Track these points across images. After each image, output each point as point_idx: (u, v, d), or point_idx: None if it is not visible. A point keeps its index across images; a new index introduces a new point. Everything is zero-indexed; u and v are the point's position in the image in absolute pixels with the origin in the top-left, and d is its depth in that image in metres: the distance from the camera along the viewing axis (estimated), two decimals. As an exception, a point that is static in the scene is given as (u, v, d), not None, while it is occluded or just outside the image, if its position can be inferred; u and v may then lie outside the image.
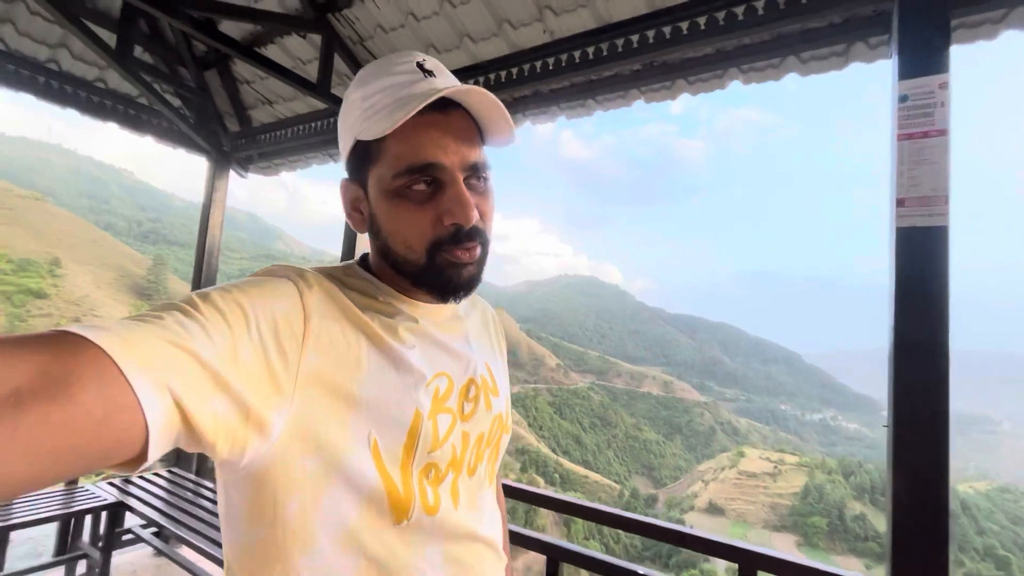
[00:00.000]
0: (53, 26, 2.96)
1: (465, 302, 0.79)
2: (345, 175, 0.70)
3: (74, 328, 0.40)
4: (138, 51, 3.31)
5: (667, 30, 2.07)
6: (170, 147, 3.82)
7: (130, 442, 0.40)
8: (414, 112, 0.57)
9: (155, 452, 0.41)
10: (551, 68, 2.34)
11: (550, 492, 2.27)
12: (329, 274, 0.65)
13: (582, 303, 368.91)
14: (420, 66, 0.64)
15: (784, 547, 74.16)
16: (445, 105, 0.62)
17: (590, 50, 2.23)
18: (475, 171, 0.65)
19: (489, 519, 0.74)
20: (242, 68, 3.42)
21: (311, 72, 2.85)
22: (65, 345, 0.39)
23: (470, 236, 0.63)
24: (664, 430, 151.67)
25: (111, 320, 0.43)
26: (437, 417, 0.64)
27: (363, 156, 0.65)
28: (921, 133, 1.39)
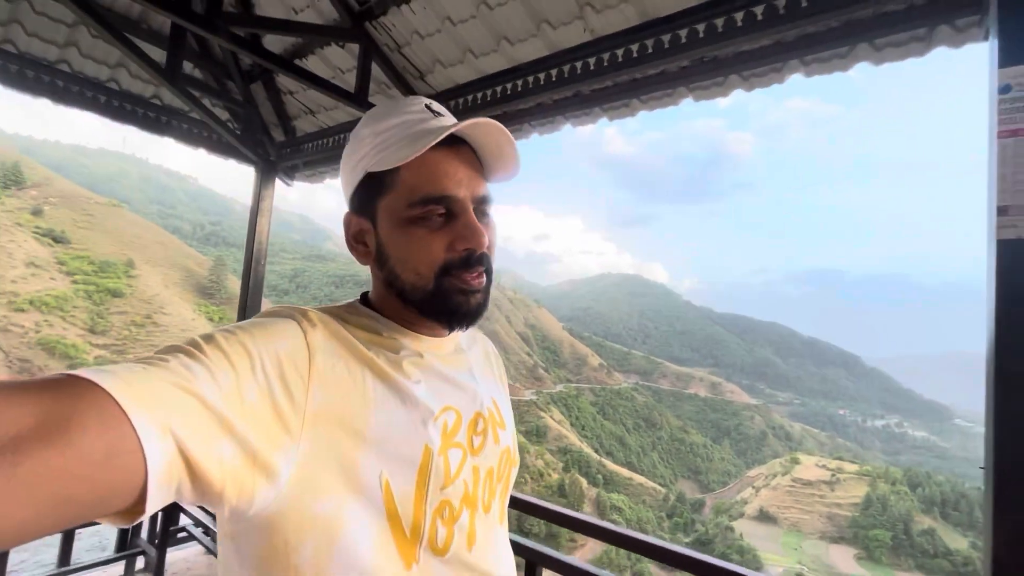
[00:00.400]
0: (112, 48, 3.11)
1: (466, 336, 0.80)
2: (346, 209, 0.71)
3: (79, 371, 0.40)
4: (188, 68, 3.44)
5: (719, 22, 1.91)
6: (221, 158, 3.97)
7: (128, 489, 0.39)
8: (432, 144, 0.60)
9: (153, 501, 0.40)
10: (592, 68, 2.22)
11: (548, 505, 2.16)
12: (332, 312, 0.65)
13: (626, 302, 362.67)
14: (428, 107, 0.68)
15: (843, 560, 70.24)
16: (455, 141, 0.65)
17: (634, 47, 2.10)
18: (482, 204, 0.68)
19: (506, 558, 0.73)
20: (285, 80, 3.49)
21: (350, 81, 2.85)
22: (68, 388, 0.38)
23: (479, 261, 0.66)
24: (712, 433, 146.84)
25: (115, 364, 0.42)
26: (448, 452, 0.64)
27: (373, 188, 0.66)
28: None
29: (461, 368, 0.73)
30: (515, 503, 2.10)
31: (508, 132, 0.67)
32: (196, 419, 0.43)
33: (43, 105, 3.18)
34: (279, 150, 3.93)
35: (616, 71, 2.14)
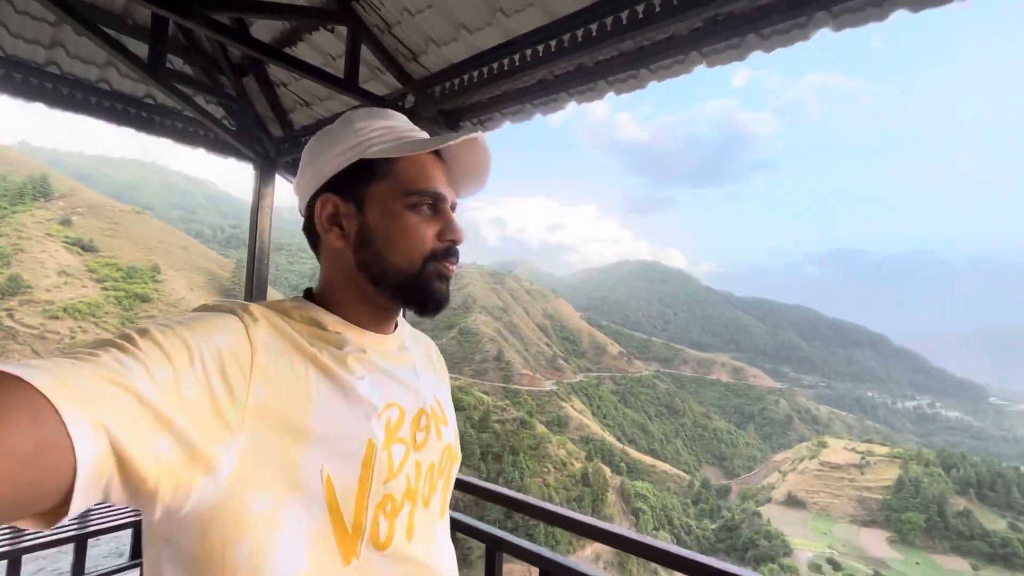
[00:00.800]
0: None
1: (409, 335, 0.83)
2: (310, 192, 0.73)
3: (5, 367, 0.39)
4: (179, 64, 3.34)
5: (734, -29, 1.70)
6: (220, 157, 3.88)
7: (55, 489, 0.38)
8: (439, 146, 0.68)
9: (79, 501, 0.39)
10: (595, 35, 2.02)
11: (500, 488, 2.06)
12: (274, 307, 0.66)
13: (644, 289, 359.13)
14: (408, 121, 0.77)
15: (875, 544, 68.97)
16: (437, 152, 0.74)
17: (639, 8, 1.90)
18: (454, 207, 0.76)
19: (446, 551, 0.75)
20: (277, 72, 3.37)
21: (342, 68, 2.71)
22: None
23: (457, 254, 0.73)
24: (735, 418, 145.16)
25: (45, 359, 0.41)
26: (391, 447, 0.65)
27: (364, 174, 0.70)
28: None
29: (405, 365, 0.75)
30: (502, 497, 1.97)
31: (490, 156, 0.75)
32: (131, 415, 0.42)
33: (65, 117, 3.13)
34: (277, 145, 3.82)
35: (621, 36, 1.95)
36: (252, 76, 3.40)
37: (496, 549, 1.90)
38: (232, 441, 0.51)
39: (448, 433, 0.78)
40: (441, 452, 0.75)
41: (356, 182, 0.70)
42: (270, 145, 3.81)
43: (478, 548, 1.97)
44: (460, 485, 2.19)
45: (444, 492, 0.77)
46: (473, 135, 0.70)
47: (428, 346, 0.89)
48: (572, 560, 1.72)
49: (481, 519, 2.06)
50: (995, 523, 67.20)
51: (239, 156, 3.79)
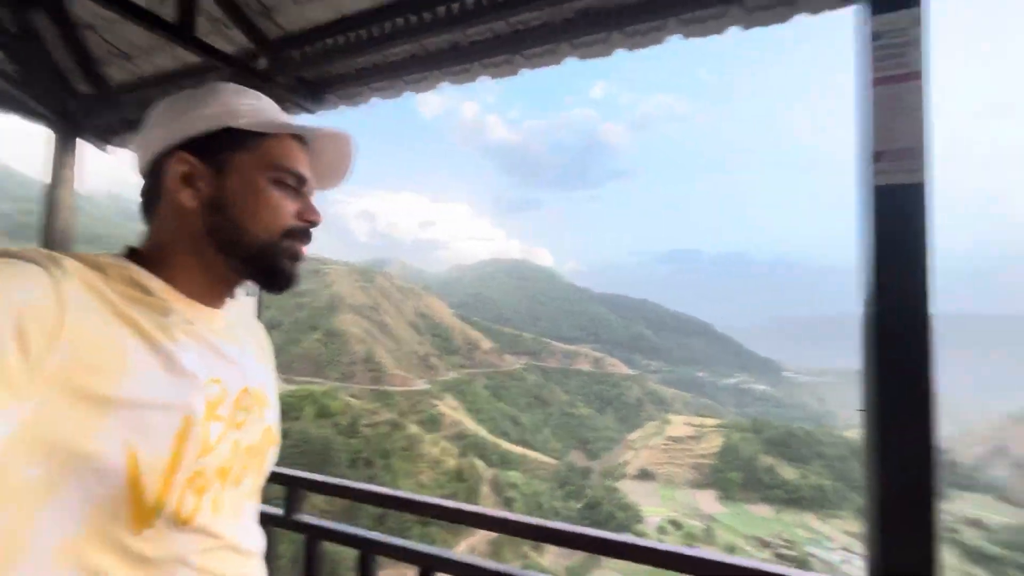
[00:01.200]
0: None
1: (238, 315, 0.81)
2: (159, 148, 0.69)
3: None
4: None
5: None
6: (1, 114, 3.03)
7: None
8: (308, 132, 0.71)
9: None
10: (471, 8, 1.97)
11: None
12: (89, 262, 0.60)
13: (515, 286, 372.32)
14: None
15: (707, 503, 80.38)
16: (303, 141, 0.75)
17: (515, -12, 1.89)
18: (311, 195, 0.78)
19: (253, 531, 0.73)
20: (82, 8, 2.72)
21: (173, 13, 2.26)
22: None
23: (311, 237, 0.74)
24: (596, 404, 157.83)
25: None
26: (210, 424, 0.62)
27: (229, 141, 0.69)
28: (898, 76, 1.25)
29: (232, 343, 0.73)
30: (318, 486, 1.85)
31: (353, 157, 0.79)
32: None
33: None
34: (86, 106, 3.10)
35: (496, 14, 1.92)
36: (43, 10, 2.70)
37: (368, 553, 1.76)
38: (15, 406, 0.47)
39: (270, 415, 0.77)
40: (261, 434, 0.74)
41: (218, 147, 0.68)
42: (73, 104, 3.09)
43: (350, 558, 1.79)
44: (325, 488, 1.99)
45: (259, 474, 0.75)
46: (345, 132, 0.73)
47: (257, 331, 0.88)
48: (451, 552, 1.67)
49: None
50: (789, 473, 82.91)
51: (27, 114, 3.00)
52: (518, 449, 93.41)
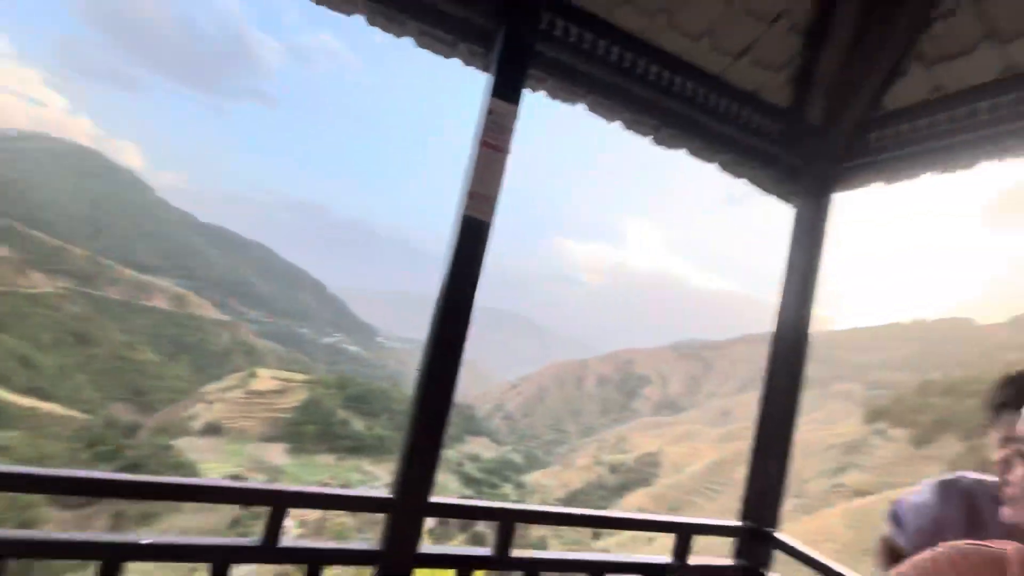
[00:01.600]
0: None
1: None
2: None
3: None
4: None
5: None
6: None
7: None
8: None
9: None
10: None
11: None
12: None
13: (72, 182, 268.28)
14: None
15: (277, 456, 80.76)
16: None
17: None
18: None
19: None
20: None
21: None
22: None
23: None
24: (168, 350, 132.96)
25: None
26: None
27: None
28: (496, 145, 1.74)
29: None
30: None
31: None
32: None
33: None
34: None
35: None
36: None
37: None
38: None
39: None
40: None
41: None
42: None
43: None
44: None
45: None
46: None
47: None
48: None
49: None
50: (360, 426, 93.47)
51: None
52: (24, 400, 68.05)
